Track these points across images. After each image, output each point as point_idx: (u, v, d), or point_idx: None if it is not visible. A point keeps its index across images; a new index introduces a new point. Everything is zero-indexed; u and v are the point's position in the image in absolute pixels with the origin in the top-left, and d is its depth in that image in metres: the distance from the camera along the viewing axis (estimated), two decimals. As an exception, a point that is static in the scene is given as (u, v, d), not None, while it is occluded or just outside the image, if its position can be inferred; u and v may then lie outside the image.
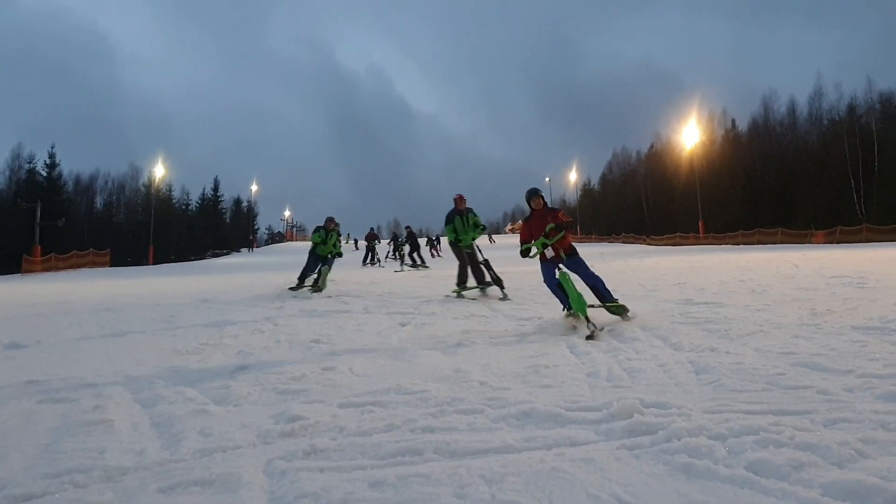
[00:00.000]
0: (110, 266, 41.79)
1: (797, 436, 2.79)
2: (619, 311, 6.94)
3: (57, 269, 37.23)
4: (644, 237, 53.72)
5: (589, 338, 5.91)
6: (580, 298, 6.75)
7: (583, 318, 6.57)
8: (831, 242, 34.59)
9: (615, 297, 7.14)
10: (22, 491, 2.69)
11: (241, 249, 68.27)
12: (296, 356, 5.94)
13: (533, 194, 7.61)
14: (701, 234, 47.20)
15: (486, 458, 2.84)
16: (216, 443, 3.28)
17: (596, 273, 7.25)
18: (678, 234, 49.25)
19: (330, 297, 11.89)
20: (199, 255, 59.22)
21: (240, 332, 7.65)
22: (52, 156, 57.79)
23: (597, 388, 4.11)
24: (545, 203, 7.66)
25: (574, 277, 7.10)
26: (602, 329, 6.24)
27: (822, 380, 3.89)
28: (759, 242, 39.01)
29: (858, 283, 9.38)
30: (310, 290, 13.08)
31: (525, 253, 7.46)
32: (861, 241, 33.07)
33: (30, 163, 57.32)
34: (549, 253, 7.21)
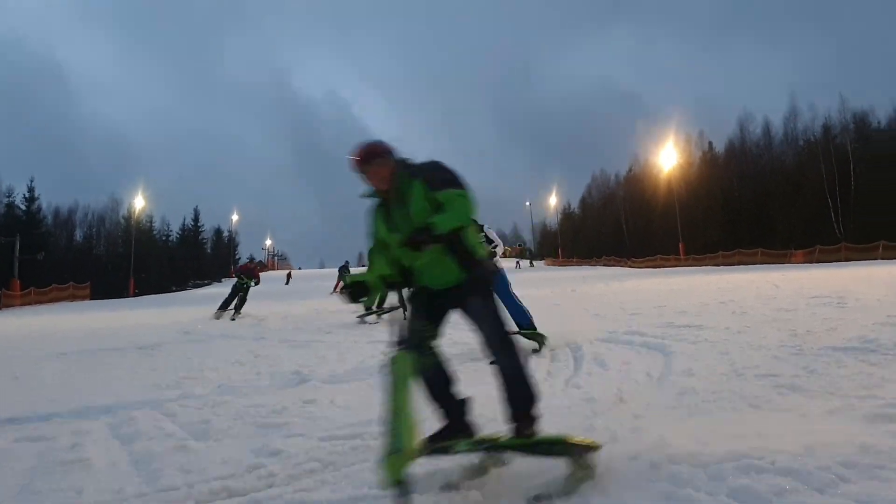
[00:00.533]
0: (91, 299, 41.31)
1: (778, 460, 2.79)
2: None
3: (36, 303, 36.76)
4: (625, 260, 54.01)
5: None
6: None
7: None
8: (811, 262, 34.99)
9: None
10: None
11: (222, 279, 67.75)
12: (276, 388, 5.89)
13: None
14: (682, 256, 47.55)
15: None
16: (196, 479, 3.23)
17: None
18: (659, 256, 49.59)
19: (310, 326, 11.81)
20: (181, 285, 58.67)
21: (220, 364, 7.58)
22: (31, 189, 57.27)
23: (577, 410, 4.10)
24: None
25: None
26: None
27: (804, 402, 3.91)
28: (739, 263, 39.37)
29: (838, 303, 9.46)
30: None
31: None
32: (840, 260, 33.48)
33: (8, 196, 56.76)
34: None
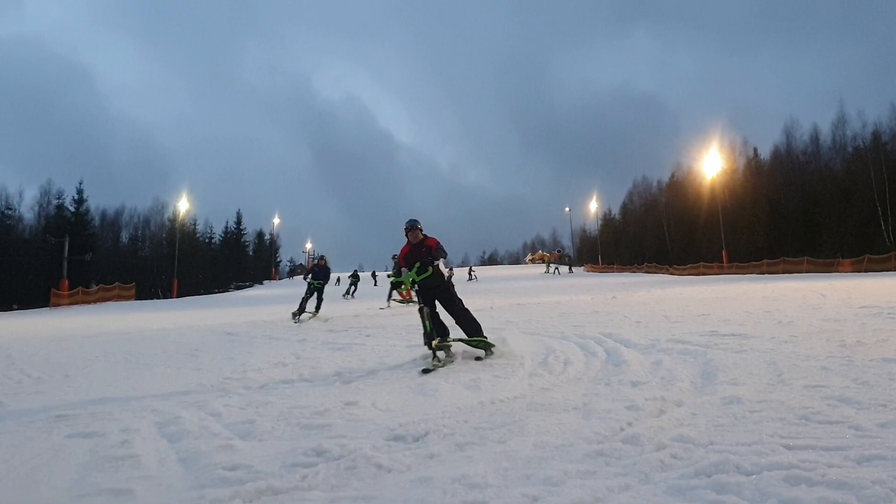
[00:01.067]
0: (136, 299, 42.24)
1: (829, 473, 2.73)
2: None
3: (84, 302, 37.72)
4: (667, 267, 53.35)
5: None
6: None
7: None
8: (859, 271, 34.10)
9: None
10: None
11: (264, 281, 68.73)
12: (318, 389, 5.95)
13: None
14: (725, 264, 46.77)
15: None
16: (241, 478, 3.28)
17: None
18: (702, 263, 48.87)
19: (350, 329, 11.91)
20: (223, 287, 59.63)
21: (263, 365, 7.68)
22: (80, 191, 58.90)
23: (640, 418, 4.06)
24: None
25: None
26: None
27: (855, 414, 3.82)
28: (784, 272, 38.57)
29: (889, 314, 9.21)
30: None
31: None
32: (890, 270, 32.57)
33: (58, 198, 58.45)
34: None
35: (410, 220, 7.75)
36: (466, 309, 7.83)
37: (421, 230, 7.74)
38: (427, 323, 7.42)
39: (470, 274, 49.81)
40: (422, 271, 7.45)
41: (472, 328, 7.63)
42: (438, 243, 7.71)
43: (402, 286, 7.61)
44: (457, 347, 7.72)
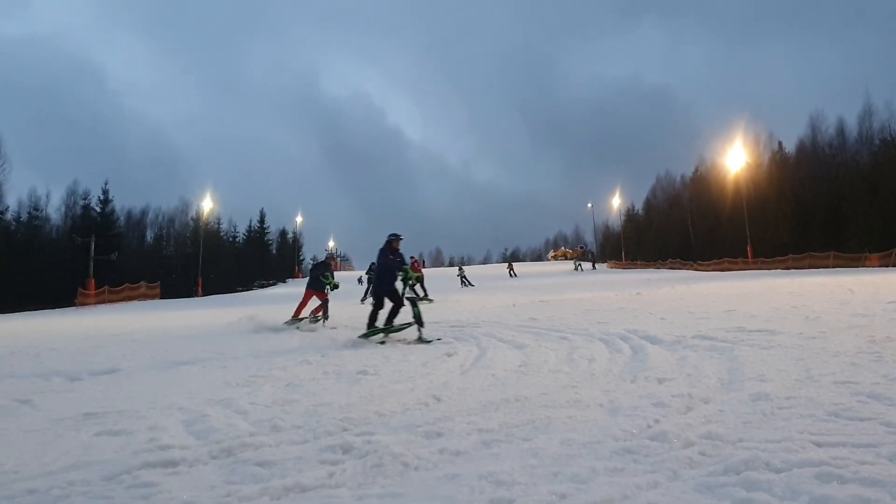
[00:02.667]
0: (161, 298, 42.69)
1: (861, 470, 2.70)
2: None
3: (110, 301, 38.18)
4: (691, 263, 52.82)
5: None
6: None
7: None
8: (887, 265, 33.52)
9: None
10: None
11: (287, 280, 69.15)
12: (343, 387, 5.98)
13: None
14: (749, 260, 46.22)
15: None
16: (269, 474, 3.31)
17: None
18: (726, 259, 48.32)
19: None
20: (247, 285, 60.05)
21: (288, 363, 7.73)
22: (105, 191, 59.56)
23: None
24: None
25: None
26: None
27: (886, 411, 3.76)
28: (810, 267, 37.99)
29: (919, 309, 9.07)
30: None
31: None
32: (919, 264, 31.99)
33: (84, 199, 59.20)
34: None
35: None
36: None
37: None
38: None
39: (510, 271, 48.95)
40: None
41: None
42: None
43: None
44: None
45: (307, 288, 13.87)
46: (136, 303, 37.84)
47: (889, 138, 47.72)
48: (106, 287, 39.90)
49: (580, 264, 58.25)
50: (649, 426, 3.82)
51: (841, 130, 52.48)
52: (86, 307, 34.63)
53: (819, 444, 3.15)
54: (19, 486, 3.27)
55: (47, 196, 58.23)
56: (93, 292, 38.58)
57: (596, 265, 62.07)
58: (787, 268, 39.34)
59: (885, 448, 3.02)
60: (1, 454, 3.94)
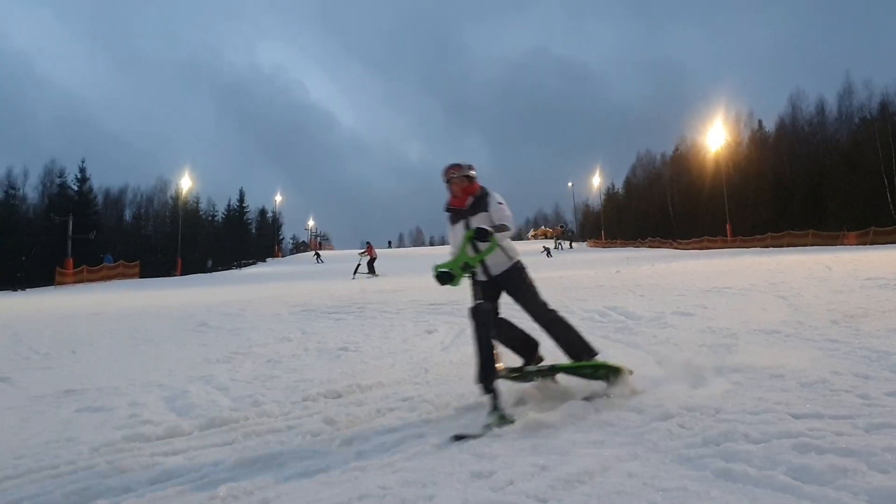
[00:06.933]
0: (140, 277, 42.32)
1: (838, 441, 2.72)
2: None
3: (88, 280, 37.80)
4: (671, 241, 53.17)
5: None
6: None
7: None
8: (865, 244, 33.94)
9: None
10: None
11: (266, 259, 68.77)
12: (324, 363, 5.97)
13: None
14: (729, 238, 46.63)
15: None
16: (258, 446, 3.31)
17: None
18: (706, 237, 48.72)
19: (354, 304, 11.87)
20: (226, 265, 59.66)
21: (268, 340, 7.71)
22: (82, 170, 58.74)
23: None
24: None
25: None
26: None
27: (862, 384, 3.80)
28: (788, 245, 38.39)
29: (895, 285, 9.18)
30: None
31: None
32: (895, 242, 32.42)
33: (60, 177, 58.37)
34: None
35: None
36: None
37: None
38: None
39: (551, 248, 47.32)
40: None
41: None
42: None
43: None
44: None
45: None
46: (114, 282, 37.47)
47: (868, 117, 48.09)
48: (84, 266, 39.49)
49: (560, 243, 58.45)
50: (629, 399, 3.83)
51: (821, 109, 52.91)
52: (64, 286, 34.27)
53: (796, 416, 3.17)
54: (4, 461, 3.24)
55: (25, 175, 57.43)
56: (71, 271, 38.17)
57: (572, 244, 62.03)
58: (766, 246, 39.73)
59: (861, 420, 3.05)
60: (-22, 431, 3.90)
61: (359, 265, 28.23)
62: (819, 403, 3.42)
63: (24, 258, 41.84)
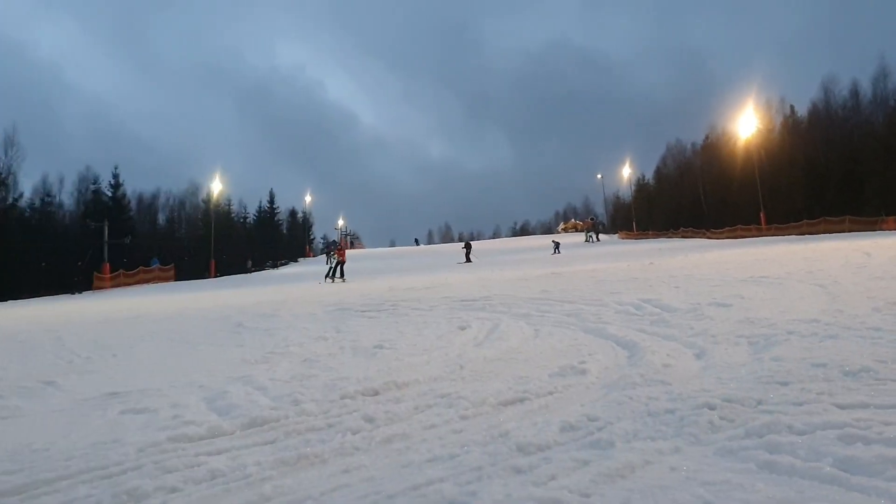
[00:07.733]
0: (175, 280, 42.96)
1: (886, 431, 2.68)
2: None
3: (125, 285, 38.51)
4: (703, 231, 52.49)
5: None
6: None
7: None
8: (905, 228, 33.18)
9: None
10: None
11: (299, 259, 69.37)
12: (360, 362, 6.01)
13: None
14: (763, 226, 45.89)
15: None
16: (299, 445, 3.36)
17: None
18: (739, 226, 48.01)
19: (387, 302, 11.92)
20: (258, 266, 60.24)
21: (304, 340, 7.78)
22: (115, 176, 59.70)
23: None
24: None
25: None
26: None
27: (908, 372, 3.73)
28: (825, 231, 37.64)
29: (937, 270, 8.98)
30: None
31: None
32: (937, 226, 31.62)
33: (94, 183, 59.38)
34: None
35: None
36: None
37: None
38: None
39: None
40: None
41: None
42: None
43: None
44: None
45: None
46: (150, 285, 38.11)
47: (904, 99, 46.97)
48: (121, 271, 40.22)
49: (591, 235, 58.01)
50: (668, 391, 3.81)
51: (855, 93, 51.61)
52: (102, 291, 34.95)
53: (841, 407, 3.13)
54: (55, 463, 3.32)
55: (60, 182, 58.51)
56: (108, 276, 38.91)
57: (601, 237, 61.11)
58: (802, 233, 38.99)
59: (909, 409, 3.00)
60: (30, 434, 4.00)
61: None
62: (864, 393, 3.37)
63: (79, 263, 42.68)
